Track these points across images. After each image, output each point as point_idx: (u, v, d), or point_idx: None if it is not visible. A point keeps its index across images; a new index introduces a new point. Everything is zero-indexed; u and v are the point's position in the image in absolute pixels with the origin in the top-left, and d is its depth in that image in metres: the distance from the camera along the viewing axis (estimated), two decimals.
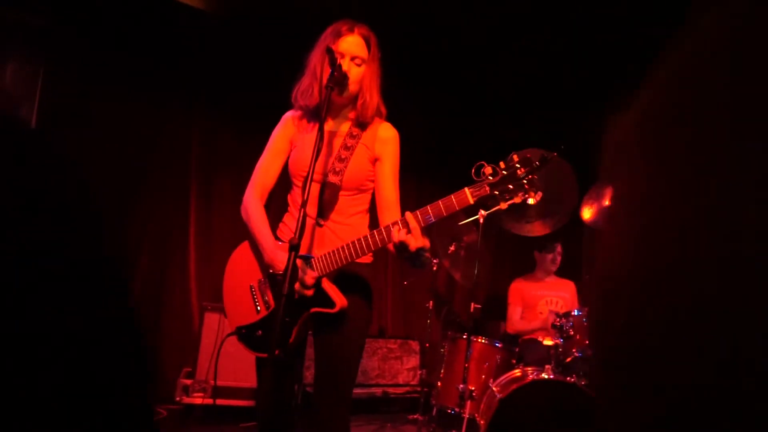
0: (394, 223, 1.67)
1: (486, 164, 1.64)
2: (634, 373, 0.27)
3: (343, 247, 1.71)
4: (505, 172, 1.62)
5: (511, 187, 1.62)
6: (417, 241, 1.64)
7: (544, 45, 4.23)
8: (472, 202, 1.63)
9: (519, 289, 4.18)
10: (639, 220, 0.29)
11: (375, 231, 1.70)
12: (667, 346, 0.25)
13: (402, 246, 1.65)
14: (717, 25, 0.27)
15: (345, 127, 1.93)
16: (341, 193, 1.86)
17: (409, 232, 1.64)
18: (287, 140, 1.97)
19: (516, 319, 4.12)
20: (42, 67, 3.68)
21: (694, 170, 0.26)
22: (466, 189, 1.64)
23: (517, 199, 1.62)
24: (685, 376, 0.23)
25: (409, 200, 4.99)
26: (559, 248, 4.16)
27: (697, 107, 0.27)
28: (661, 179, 0.28)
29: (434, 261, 4.08)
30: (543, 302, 4.06)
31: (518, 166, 1.62)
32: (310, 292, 1.70)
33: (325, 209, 1.85)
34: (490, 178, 1.63)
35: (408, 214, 1.66)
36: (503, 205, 1.63)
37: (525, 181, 1.61)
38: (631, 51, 3.74)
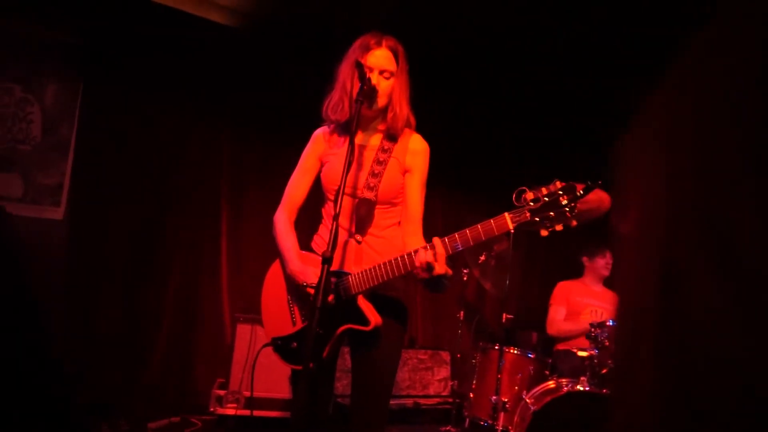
0: (424, 247, 1.67)
1: (528, 190, 1.61)
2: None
3: (380, 265, 1.72)
4: (546, 199, 1.58)
5: (552, 214, 1.57)
6: (441, 267, 1.64)
7: (575, 53, 4.18)
8: (511, 228, 1.60)
9: (565, 291, 3.97)
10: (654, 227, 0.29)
11: (405, 254, 1.70)
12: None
13: (427, 267, 1.64)
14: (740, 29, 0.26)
15: (376, 140, 1.94)
16: (377, 208, 1.87)
17: (435, 256, 1.63)
18: (316, 158, 2.00)
19: (559, 320, 3.87)
20: (80, 85, 3.81)
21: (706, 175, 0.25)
22: (506, 214, 1.61)
23: (559, 227, 1.58)
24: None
25: (436, 215, 4.98)
26: (609, 253, 3.92)
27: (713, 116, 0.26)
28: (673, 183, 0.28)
29: (464, 271, 4.05)
30: (588, 311, 3.82)
31: (561, 193, 1.57)
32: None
33: (361, 225, 1.86)
34: (531, 204, 1.59)
35: (436, 240, 1.65)
36: (544, 233, 1.60)
37: (567, 209, 1.57)
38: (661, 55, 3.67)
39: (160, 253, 4.04)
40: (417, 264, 1.65)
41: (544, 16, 3.80)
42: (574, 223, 1.56)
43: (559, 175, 1.64)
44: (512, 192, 1.64)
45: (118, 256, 3.86)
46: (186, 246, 4.15)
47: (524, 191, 1.61)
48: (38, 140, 3.65)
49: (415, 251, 1.67)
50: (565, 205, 1.56)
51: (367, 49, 1.86)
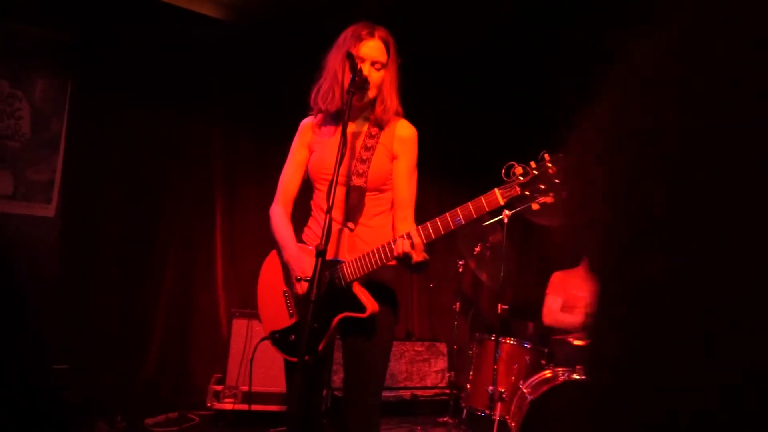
0: (401, 236, 1.70)
1: (516, 164, 1.61)
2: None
3: (372, 252, 1.72)
4: (536, 172, 1.59)
5: (542, 186, 1.58)
6: (418, 255, 1.68)
7: (564, 43, 4.17)
8: (502, 203, 1.61)
9: (561, 281, 3.84)
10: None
11: (386, 244, 1.73)
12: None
13: (405, 257, 1.68)
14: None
15: (364, 127, 1.94)
16: (367, 194, 1.86)
17: (412, 245, 1.66)
18: (305, 148, 1.99)
19: (556, 310, 3.75)
20: (69, 80, 3.77)
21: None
22: (495, 190, 1.62)
23: (549, 199, 1.58)
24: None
25: (430, 202, 4.97)
26: None
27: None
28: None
29: (460, 262, 4.05)
30: (584, 306, 3.70)
31: (550, 165, 1.58)
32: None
33: (352, 213, 1.85)
34: (521, 178, 1.60)
35: (412, 230, 1.69)
36: (534, 206, 1.60)
37: (557, 179, 1.57)
38: None
39: (153, 249, 4.02)
40: (395, 254, 1.68)
41: (532, 11, 3.79)
42: (564, 194, 1.56)
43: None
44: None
45: (111, 252, 3.83)
46: (180, 242, 4.12)
47: (513, 166, 1.61)
48: (28, 136, 3.61)
49: (394, 241, 1.70)
50: (555, 176, 1.56)
51: (359, 39, 1.84)
